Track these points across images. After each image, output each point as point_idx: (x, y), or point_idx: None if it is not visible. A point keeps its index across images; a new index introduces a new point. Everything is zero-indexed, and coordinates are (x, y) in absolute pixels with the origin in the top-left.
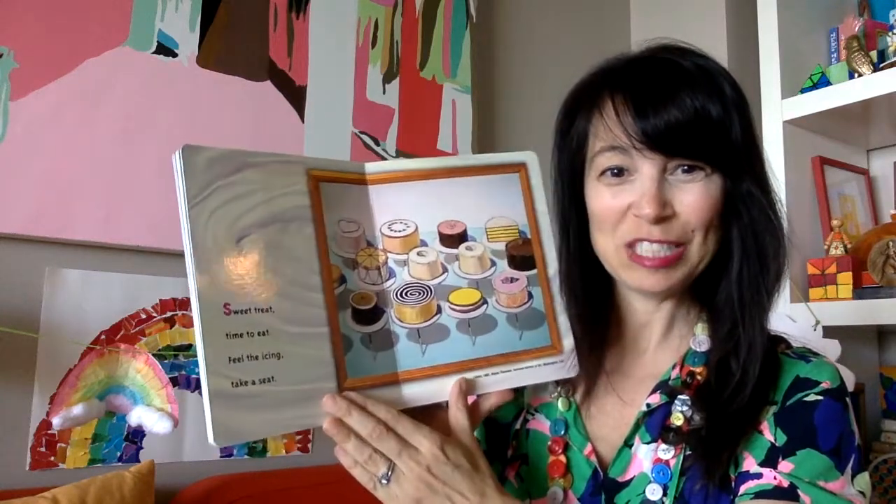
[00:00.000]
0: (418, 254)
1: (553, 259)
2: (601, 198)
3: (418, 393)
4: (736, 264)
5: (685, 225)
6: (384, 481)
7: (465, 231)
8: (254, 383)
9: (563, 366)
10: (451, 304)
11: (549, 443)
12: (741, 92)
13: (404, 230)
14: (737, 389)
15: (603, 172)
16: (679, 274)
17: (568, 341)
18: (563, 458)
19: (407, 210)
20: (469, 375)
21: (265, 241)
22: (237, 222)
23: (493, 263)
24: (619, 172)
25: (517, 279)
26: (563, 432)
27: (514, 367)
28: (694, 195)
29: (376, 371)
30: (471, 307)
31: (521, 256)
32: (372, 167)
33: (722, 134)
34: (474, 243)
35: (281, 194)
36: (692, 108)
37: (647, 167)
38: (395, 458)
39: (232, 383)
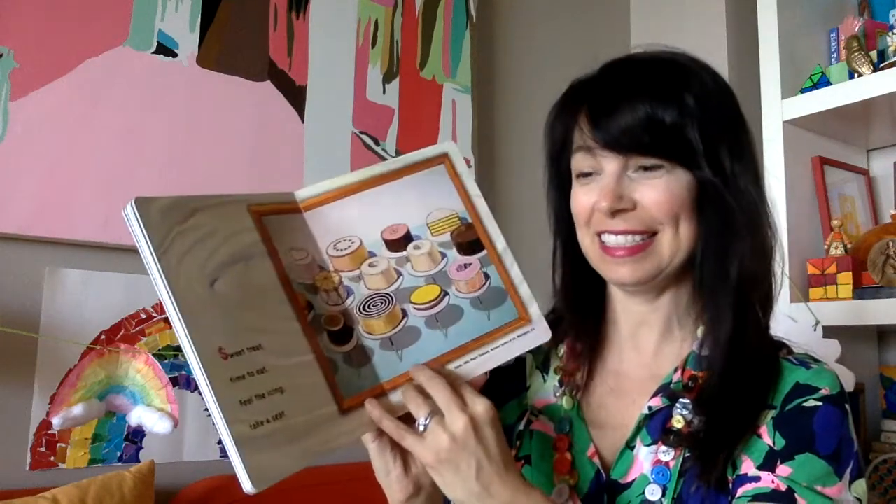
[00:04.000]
0: (369, 265)
1: (498, 235)
2: (576, 197)
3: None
4: (698, 259)
5: (648, 217)
6: (421, 427)
7: (408, 232)
8: (269, 421)
9: (536, 333)
10: (414, 304)
11: (554, 440)
12: (707, 93)
13: (349, 247)
14: (728, 387)
15: (578, 175)
16: (648, 266)
17: (533, 309)
18: (568, 455)
19: (347, 227)
20: (451, 367)
21: (235, 281)
22: (205, 266)
23: (444, 255)
24: (588, 173)
25: (470, 264)
26: (567, 430)
27: (490, 348)
28: (655, 189)
29: (364, 387)
30: (434, 302)
31: (468, 242)
32: (302, 193)
33: (675, 133)
34: (420, 241)
35: (233, 233)
36: (644, 113)
37: (608, 166)
38: (445, 407)
39: (250, 426)
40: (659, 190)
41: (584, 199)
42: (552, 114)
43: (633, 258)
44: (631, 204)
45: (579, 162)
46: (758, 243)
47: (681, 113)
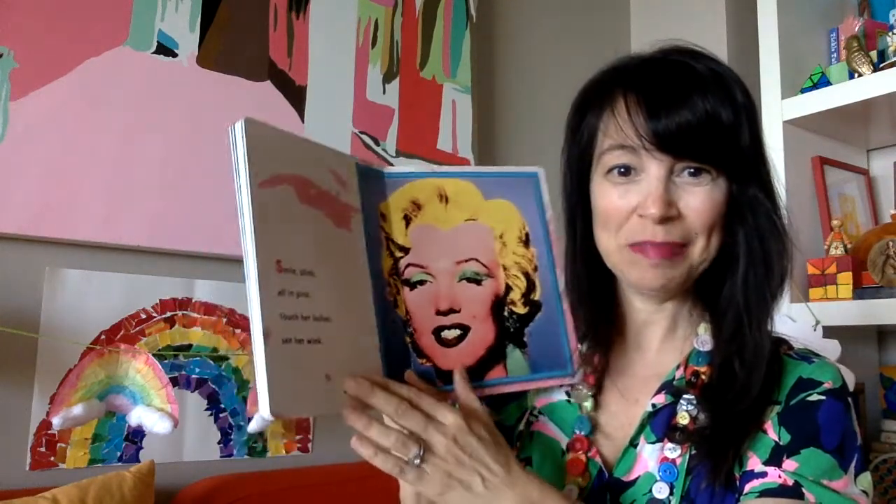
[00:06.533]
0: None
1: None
2: (608, 197)
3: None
4: (742, 268)
5: (689, 227)
6: (417, 461)
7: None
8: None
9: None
10: None
11: (572, 440)
12: (751, 99)
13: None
14: (742, 391)
15: (610, 170)
16: (679, 272)
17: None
18: (583, 456)
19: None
20: None
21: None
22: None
23: None
24: (626, 171)
25: None
26: (589, 431)
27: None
28: (699, 198)
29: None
30: None
31: None
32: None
33: (731, 138)
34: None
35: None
36: (703, 110)
37: (654, 168)
38: (421, 431)
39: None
40: (701, 199)
41: (619, 201)
42: (581, 103)
43: (667, 261)
44: (677, 212)
45: (616, 158)
46: (788, 255)
47: (735, 111)
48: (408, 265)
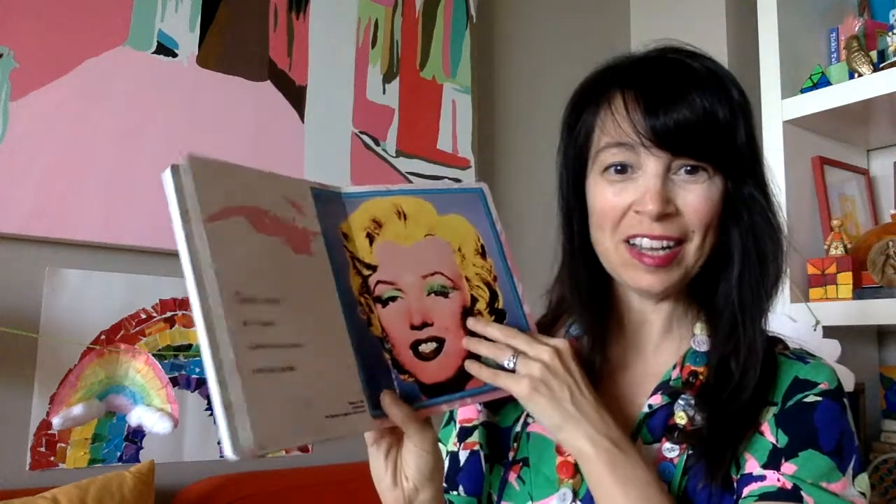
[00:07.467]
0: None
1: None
2: (603, 195)
3: None
4: (737, 267)
5: (686, 224)
6: (511, 363)
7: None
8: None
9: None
10: None
11: (558, 444)
12: (746, 97)
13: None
14: (737, 391)
15: (606, 168)
16: (676, 275)
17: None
18: (570, 459)
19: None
20: None
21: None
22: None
23: None
24: (622, 169)
25: None
26: None
27: None
28: (696, 195)
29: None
30: None
31: None
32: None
33: (728, 136)
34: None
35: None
36: (701, 108)
37: (651, 165)
38: (525, 347)
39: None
40: (699, 196)
41: (615, 199)
42: (578, 100)
43: (664, 268)
44: (675, 209)
45: (613, 156)
46: (783, 253)
47: (731, 109)
48: (378, 282)
